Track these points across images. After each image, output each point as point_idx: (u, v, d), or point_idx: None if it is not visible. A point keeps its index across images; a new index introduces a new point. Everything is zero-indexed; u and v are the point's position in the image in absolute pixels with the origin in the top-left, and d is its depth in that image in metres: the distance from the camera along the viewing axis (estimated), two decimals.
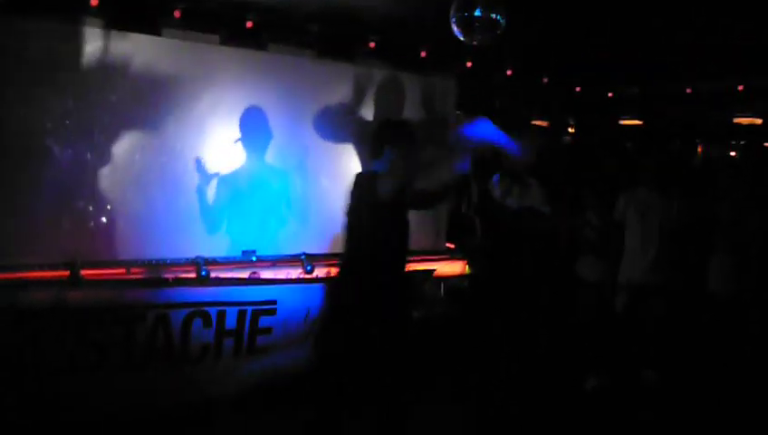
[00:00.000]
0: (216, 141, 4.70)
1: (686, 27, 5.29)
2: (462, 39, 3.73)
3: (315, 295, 4.41)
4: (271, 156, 4.84)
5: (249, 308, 4.15)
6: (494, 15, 3.63)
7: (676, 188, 4.71)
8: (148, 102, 4.45)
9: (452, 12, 3.73)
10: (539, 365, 4.63)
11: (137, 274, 4.19)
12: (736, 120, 9.20)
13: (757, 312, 4.43)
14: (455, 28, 3.71)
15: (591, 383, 4.69)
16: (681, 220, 4.60)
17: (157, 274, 4.14)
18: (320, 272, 4.68)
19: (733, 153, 9.98)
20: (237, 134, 4.73)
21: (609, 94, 7.60)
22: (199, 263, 4.32)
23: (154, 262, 4.30)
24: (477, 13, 3.58)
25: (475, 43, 3.69)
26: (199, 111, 4.64)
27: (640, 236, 4.62)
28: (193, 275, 4.26)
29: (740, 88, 7.05)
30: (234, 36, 4.68)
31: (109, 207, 4.35)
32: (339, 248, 4.90)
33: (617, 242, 4.74)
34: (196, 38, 4.58)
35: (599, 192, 5.17)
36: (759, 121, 8.91)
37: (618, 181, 5.30)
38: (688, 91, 7.35)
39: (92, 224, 4.31)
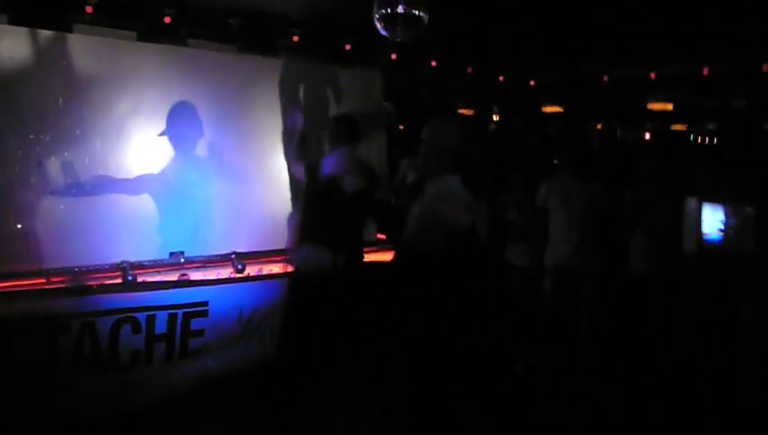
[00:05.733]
0: (138, 141, 4.53)
1: (602, 15, 5.48)
2: (385, 35, 3.72)
3: (247, 294, 4.36)
4: (196, 154, 4.72)
5: (180, 311, 4.06)
6: (416, 12, 3.62)
7: (595, 173, 4.82)
8: (62, 104, 4.23)
9: (375, 8, 3.72)
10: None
11: (58, 283, 4.01)
12: (650, 106, 9.63)
13: (666, 290, 4.59)
14: (378, 25, 3.70)
15: (522, 363, 4.82)
16: (602, 204, 4.71)
17: (79, 281, 3.98)
18: (251, 270, 4.62)
19: (647, 135, 10.45)
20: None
21: (532, 82, 7.78)
22: (125, 267, 4.20)
23: (76, 269, 4.13)
24: (400, 9, 3.58)
25: (398, 39, 3.69)
26: (119, 111, 4.45)
27: (564, 221, 4.72)
28: (119, 281, 4.13)
29: (652, 75, 7.36)
30: (151, 32, 4.52)
31: (24, 213, 4.14)
32: (269, 245, 4.92)
33: (542, 227, 4.83)
34: (111, 34, 4.40)
35: (523, 176, 5.26)
36: (670, 106, 9.36)
37: (542, 164, 5.40)
38: (605, 78, 7.63)
39: (7, 232, 4.09)
